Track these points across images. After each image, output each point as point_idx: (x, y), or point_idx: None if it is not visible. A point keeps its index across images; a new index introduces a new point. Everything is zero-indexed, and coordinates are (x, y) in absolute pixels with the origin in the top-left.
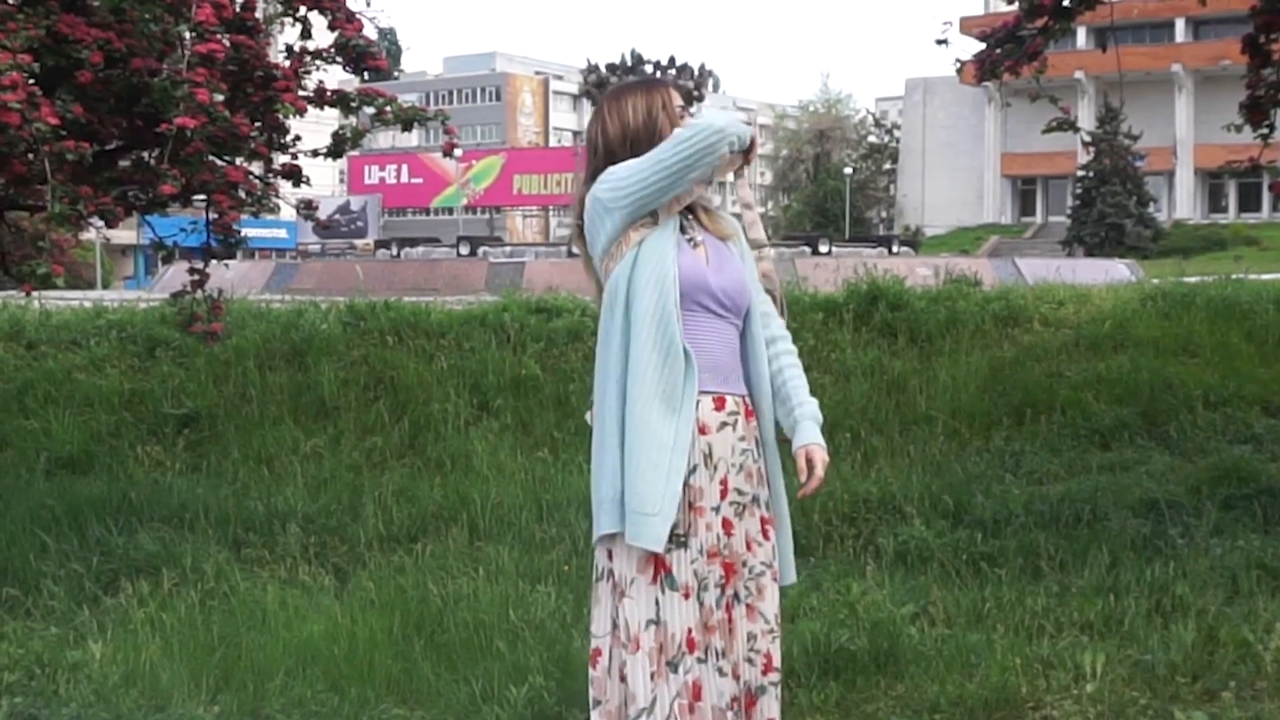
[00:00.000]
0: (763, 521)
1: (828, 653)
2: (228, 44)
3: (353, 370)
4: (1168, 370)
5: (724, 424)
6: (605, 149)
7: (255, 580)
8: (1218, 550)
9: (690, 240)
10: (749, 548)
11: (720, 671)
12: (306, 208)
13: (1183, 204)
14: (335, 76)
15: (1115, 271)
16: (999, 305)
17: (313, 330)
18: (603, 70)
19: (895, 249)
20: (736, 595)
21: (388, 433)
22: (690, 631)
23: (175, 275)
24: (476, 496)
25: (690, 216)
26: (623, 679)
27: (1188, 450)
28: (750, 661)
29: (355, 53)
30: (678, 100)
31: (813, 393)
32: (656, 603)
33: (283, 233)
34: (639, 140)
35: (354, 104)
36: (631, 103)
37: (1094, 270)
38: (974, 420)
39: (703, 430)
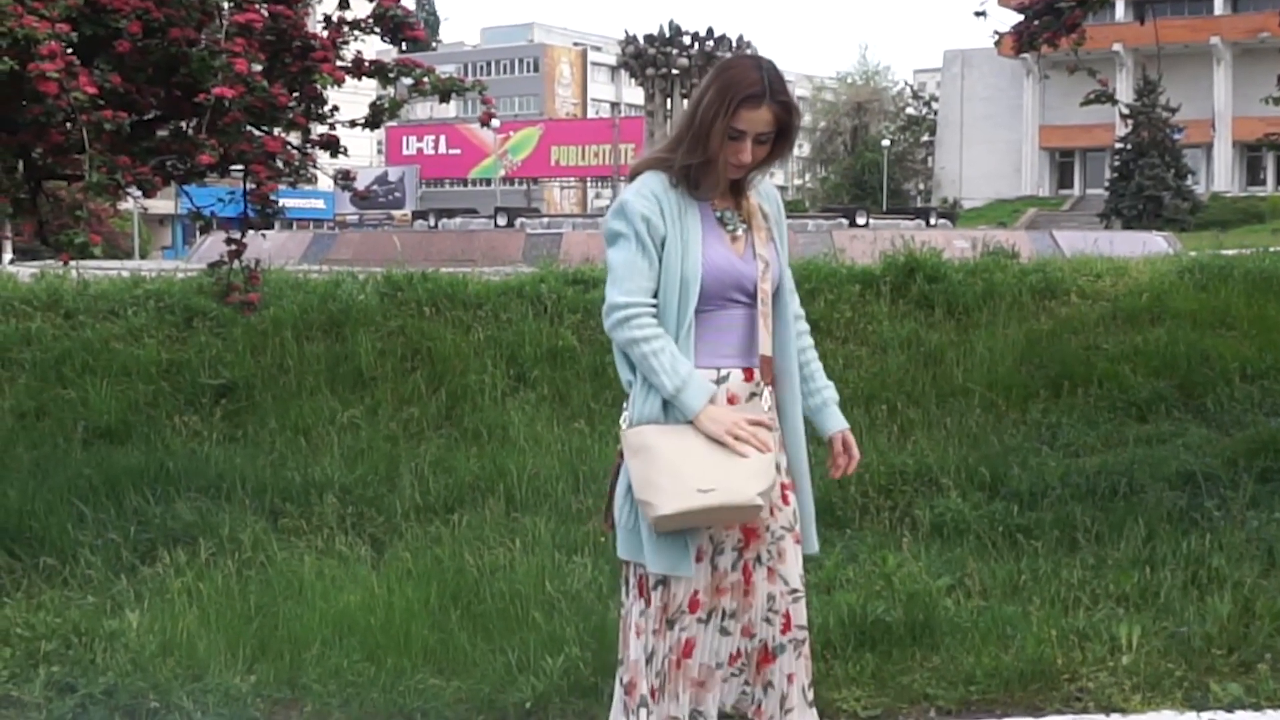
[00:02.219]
0: (782, 487)
1: (864, 624)
2: (265, 14)
3: (390, 341)
4: (1205, 343)
5: (752, 394)
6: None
7: (292, 550)
8: (1254, 523)
9: (731, 231)
10: (771, 512)
11: (724, 630)
12: (344, 178)
13: (1220, 177)
14: (373, 47)
15: (1153, 244)
16: (1036, 278)
17: (350, 301)
18: (640, 42)
19: (933, 221)
20: (758, 558)
21: (425, 403)
22: (696, 593)
23: (213, 245)
24: (513, 467)
25: (736, 207)
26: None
27: (1224, 423)
28: (768, 621)
29: (393, 23)
30: (742, 121)
31: (849, 364)
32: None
33: (320, 203)
34: (692, 123)
35: (392, 74)
36: (706, 87)
37: (1131, 243)
38: (1010, 393)
39: (731, 400)
